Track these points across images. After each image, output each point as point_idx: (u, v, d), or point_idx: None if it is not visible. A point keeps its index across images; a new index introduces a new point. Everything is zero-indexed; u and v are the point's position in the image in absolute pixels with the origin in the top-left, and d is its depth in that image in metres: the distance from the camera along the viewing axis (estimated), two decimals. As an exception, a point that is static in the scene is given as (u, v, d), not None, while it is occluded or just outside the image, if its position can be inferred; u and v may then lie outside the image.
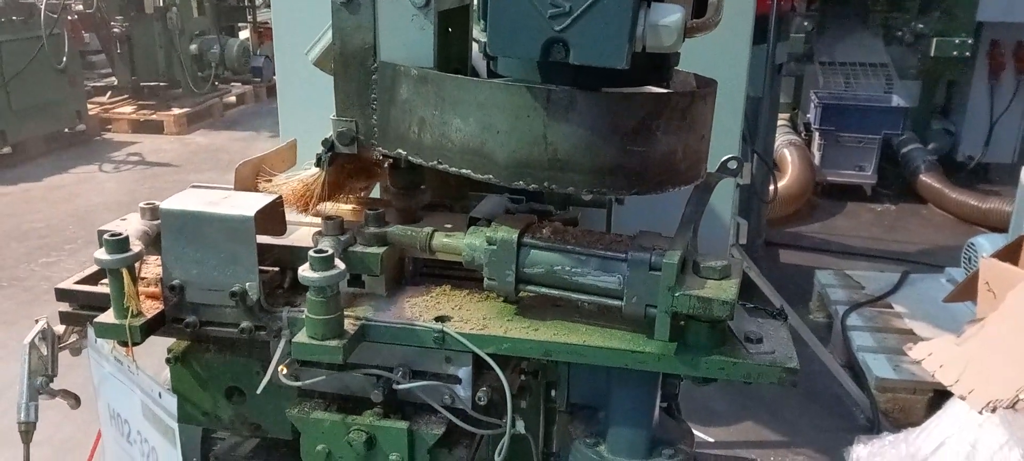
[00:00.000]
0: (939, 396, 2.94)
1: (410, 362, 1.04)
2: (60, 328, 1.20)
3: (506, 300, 1.04)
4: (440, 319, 1.01)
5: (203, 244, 0.99)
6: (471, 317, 1.02)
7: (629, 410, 1.03)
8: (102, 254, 0.97)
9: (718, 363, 0.95)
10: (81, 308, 1.16)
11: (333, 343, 0.95)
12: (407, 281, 1.12)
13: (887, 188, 5.42)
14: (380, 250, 1.04)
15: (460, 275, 1.10)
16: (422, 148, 0.98)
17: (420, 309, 1.04)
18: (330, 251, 0.94)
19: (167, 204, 1.00)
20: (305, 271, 0.93)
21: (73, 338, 1.23)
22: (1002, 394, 2.26)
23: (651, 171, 0.94)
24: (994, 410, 2.26)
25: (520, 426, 1.03)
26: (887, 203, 5.39)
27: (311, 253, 0.93)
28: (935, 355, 2.50)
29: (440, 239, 1.05)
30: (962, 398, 2.33)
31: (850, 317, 3.59)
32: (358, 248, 1.04)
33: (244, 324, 1.01)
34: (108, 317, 1.01)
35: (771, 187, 3.95)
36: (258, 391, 0.99)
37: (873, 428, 3.11)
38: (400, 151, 1.01)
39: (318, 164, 1.04)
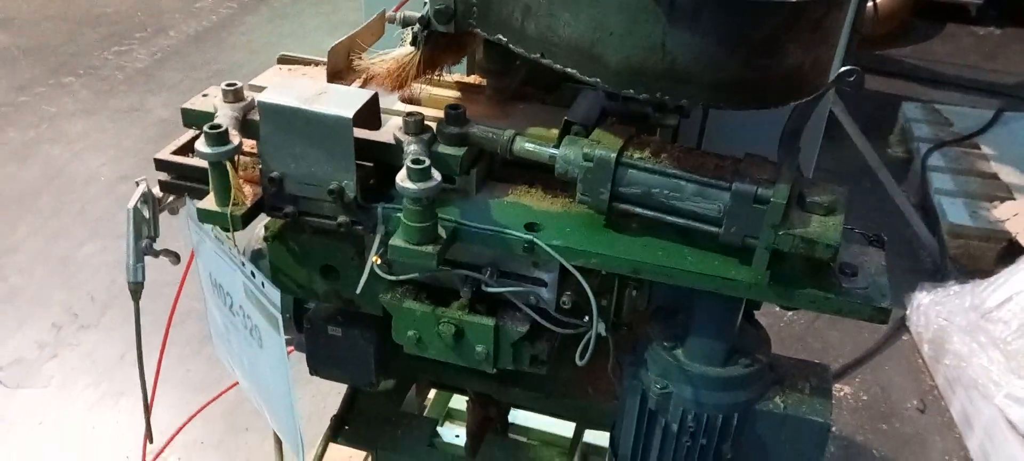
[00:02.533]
0: (1012, 248, 2.89)
1: (498, 262, 1.07)
2: (159, 191, 1.25)
3: (596, 210, 1.03)
4: (529, 227, 1.02)
5: (302, 140, 1.00)
6: (560, 226, 1.02)
7: (711, 321, 1.05)
8: (203, 146, 0.99)
9: (810, 296, 0.94)
10: (179, 178, 1.20)
11: (427, 249, 0.97)
12: (497, 175, 1.11)
13: (995, 8, 5.01)
14: (461, 151, 1.03)
15: (549, 171, 1.09)
16: (525, 38, 0.93)
17: (509, 213, 1.04)
18: (427, 162, 0.93)
19: (265, 98, 1.00)
20: (403, 181, 0.94)
21: (171, 199, 1.28)
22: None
23: (774, 85, 0.89)
24: (1072, 279, 2.22)
25: (601, 328, 1.06)
26: (992, 26, 5.01)
27: (408, 163, 0.93)
28: (1021, 216, 2.44)
29: (522, 144, 1.03)
30: (1041, 263, 2.29)
31: (932, 156, 3.46)
32: (440, 148, 1.03)
33: (341, 219, 1.04)
34: (209, 203, 1.04)
35: (869, 4, 3.67)
36: (358, 291, 1.02)
37: (938, 273, 3.09)
38: (500, 37, 0.96)
39: (413, 43, 1.01)
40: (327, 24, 5.62)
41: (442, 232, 0.98)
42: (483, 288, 1.04)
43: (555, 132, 1.10)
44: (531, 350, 1.09)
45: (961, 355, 2.64)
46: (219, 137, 0.98)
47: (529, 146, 1.02)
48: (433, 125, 1.05)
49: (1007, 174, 3.25)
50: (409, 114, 1.04)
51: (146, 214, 1.25)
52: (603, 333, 1.05)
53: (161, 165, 1.19)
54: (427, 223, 0.96)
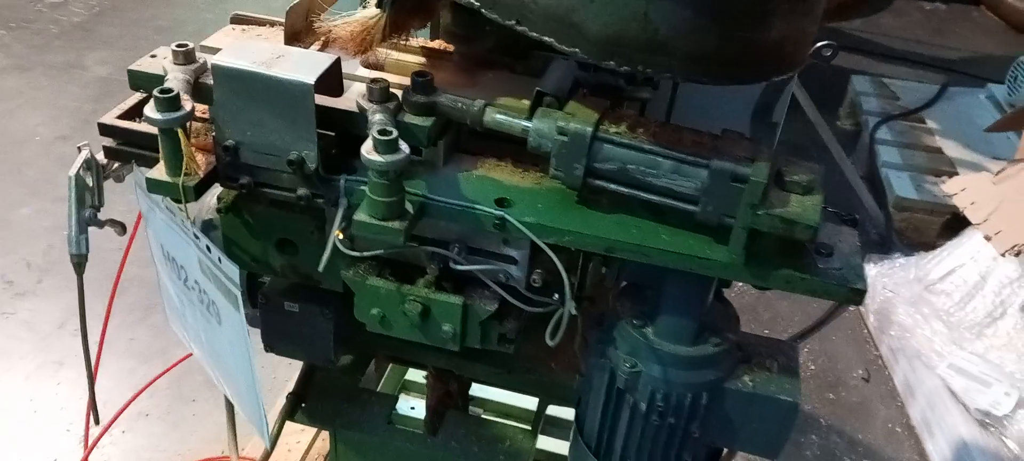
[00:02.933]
0: (956, 221, 2.95)
1: (466, 238, 1.03)
2: (103, 158, 1.18)
3: (569, 186, 1.00)
4: (500, 203, 0.98)
5: (259, 107, 0.94)
6: (531, 202, 0.98)
7: (681, 300, 1.03)
8: (152, 112, 0.92)
9: (785, 276, 0.93)
10: (125, 144, 1.13)
11: (394, 225, 0.92)
12: (464, 146, 1.07)
13: (941, -17, 5.12)
14: (428, 122, 0.99)
15: (520, 143, 1.05)
16: (498, 3, 0.88)
17: (479, 187, 1.00)
18: (394, 133, 0.89)
19: (219, 60, 0.93)
20: (369, 153, 0.89)
21: (116, 166, 1.21)
22: (1029, 240, 2.27)
23: (758, 59, 0.86)
24: (1018, 254, 2.29)
25: (571, 307, 1.03)
26: (938, 1, 5.11)
27: (375, 134, 0.89)
28: (968, 191, 2.49)
29: (493, 115, 0.98)
30: (988, 239, 2.35)
31: (880, 129, 3.52)
32: (406, 118, 0.98)
33: (301, 191, 0.98)
34: (160, 173, 0.98)
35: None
36: (320, 268, 0.98)
37: (884, 245, 3.16)
38: (472, 0, 0.91)
39: (379, 4, 0.95)
40: (275, -19, 5.43)
41: (409, 207, 0.94)
42: (450, 266, 1.01)
43: (526, 103, 1.06)
44: (499, 329, 1.07)
45: (905, 326, 2.71)
46: (170, 102, 0.92)
47: (500, 117, 0.98)
48: (398, 93, 1.00)
49: (951, 149, 3.32)
50: (373, 80, 0.99)
51: (89, 182, 1.17)
52: (574, 312, 1.03)
53: (106, 130, 1.12)
54: (394, 198, 0.92)
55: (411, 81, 0.99)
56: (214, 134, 0.98)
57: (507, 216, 0.95)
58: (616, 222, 0.96)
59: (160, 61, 1.08)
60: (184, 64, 1.02)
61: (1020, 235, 2.32)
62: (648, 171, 0.92)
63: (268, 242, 1.11)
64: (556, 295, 1.02)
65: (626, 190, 0.94)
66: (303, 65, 0.94)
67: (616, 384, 1.09)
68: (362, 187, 0.98)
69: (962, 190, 2.54)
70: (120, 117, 1.13)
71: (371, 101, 0.98)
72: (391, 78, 1.04)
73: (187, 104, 0.94)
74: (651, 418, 1.08)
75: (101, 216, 1.21)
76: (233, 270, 0.94)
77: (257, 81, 0.92)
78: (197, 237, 0.99)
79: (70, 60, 4.66)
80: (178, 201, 1.00)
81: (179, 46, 1.03)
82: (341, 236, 1.02)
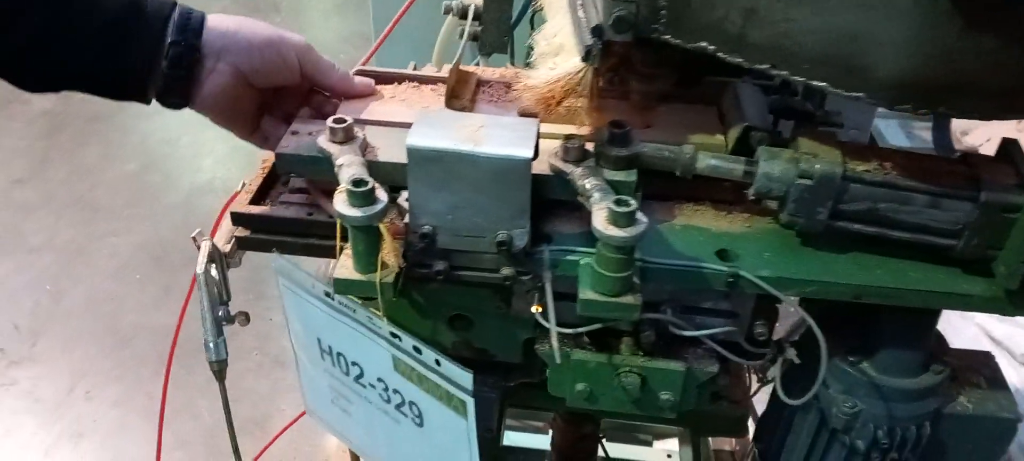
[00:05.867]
0: None
1: (678, 296, 0.94)
2: (226, 245, 1.04)
3: (785, 226, 0.92)
4: (721, 255, 0.89)
5: (464, 187, 0.83)
6: (755, 251, 0.90)
7: (908, 333, 0.97)
8: (347, 208, 0.80)
9: (1047, 305, 0.87)
10: (260, 231, 1.00)
11: (627, 300, 0.83)
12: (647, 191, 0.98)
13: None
14: (632, 176, 0.89)
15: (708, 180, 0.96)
16: (745, 46, 0.79)
17: (691, 240, 0.91)
18: (634, 204, 0.79)
19: (415, 141, 0.82)
20: (605, 227, 0.79)
21: (237, 253, 1.08)
22: None
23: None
24: None
25: (793, 355, 0.96)
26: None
27: (613, 206, 0.79)
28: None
29: (707, 162, 0.90)
30: None
31: None
32: (608, 175, 0.88)
33: (506, 272, 0.88)
34: (347, 271, 0.86)
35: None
36: (556, 362, 0.88)
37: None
38: (704, 45, 0.82)
39: (587, 57, 0.85)
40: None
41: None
42: (678, 333, 0.92)
43: (720, 138, 0.98)
44: (714, 387, 0.98)
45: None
46: (367, 195, 0.80)
47: (715, 163, 0.89)
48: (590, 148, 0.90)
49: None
50: (568, 138, 0.89)
51: (214, 274, 1.04)
52: (797, 360, 0.95)
53: (241, 220, 0.99)
54: (627, 272, 0.82)
55: (609, 134, 0.89)
56: (406, 221, 0.87)
57: (741, 273, 0.87)
58: (854, 264, 0.89)
59: (305, 139, 0.96)
60: (344, 141, 0.90)
61: None
62: (901, 208, 0.84)
63: (438, 319, 1.00)
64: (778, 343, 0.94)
65: (870, 229, 0.87)
66: (511, 136, 0.83)
67: (829, 425, 1.02)
68: (568, 257, 0.88)
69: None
70: (252, 202, 1.00)
71: (567, 161, 0.88)
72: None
73: (382, 194, 0.82)
74: (871, 457, 1.02)
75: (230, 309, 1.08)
76: (463, 376, 0.84)
77: (465, 161, 0.81)
78: (398, 338, 0.87)
79: (6, 95, 4.34)
80: (368, 300, 0.88)
81: (337, 122, 0.90)
82: (539, 310, 0.92)
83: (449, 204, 0.84)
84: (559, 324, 0.88)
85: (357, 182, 0.80)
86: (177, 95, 0.98)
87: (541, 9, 1.04)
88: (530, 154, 0.81)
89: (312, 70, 1.02)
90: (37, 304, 2.96)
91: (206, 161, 3.82)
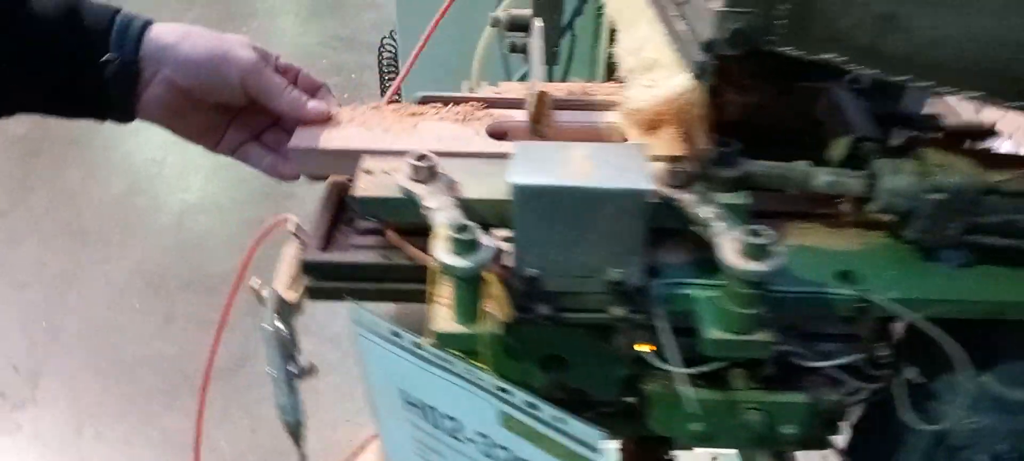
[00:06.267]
0: None
1: (798, 324, 0.88)
2: (292, 294, 0.96)
3: (901, 240, 0.86)
4: (843, 277, 0.83)
5: (574, 225, 0.75)
6: (877, 270, 0.84)
7: (1032, 341, 0.91)
8: (451, 258, 0.72)
9: None
10: (331, 279, 0.92)
11: (758, 336, 0.76)
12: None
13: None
14: (744, 199, 0.82)
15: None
16: (881, 57, 0.72)
17: (809, 262, 0.85)
18: (771, 236, 0.72)
19: (522, 178, 0.74)
20: (738, 260, 0.72)
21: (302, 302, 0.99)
22: None
23: None
24: None
25: (914, 373, 0.90)
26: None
27: (747, 238, 0.72)
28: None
29: (822, 179, 0.83)
30: None
31: None
32: (718, 198, 0.82)
33: (618, 312, 0.81)
34: (447, 323, 0.79)
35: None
36: (693, 410, 0.81)
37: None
38: (831, 56, 0.75)
39: (701, 75, 0.77)
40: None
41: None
42: (802, 364, 0.85)
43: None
44: (832, 415, 0.92)
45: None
46: (473, 242, 0.72)
47: (830, 179, 0.83)
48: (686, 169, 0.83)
49: None
50: (673, 159, 0.82)
51: (282, 326, 0.96)
52: (920, 380, 0.89)
53: (315, 269, 0.90)
54: (760, 308, 0.75)
55: (718, 153, 0.82)
56: (505, 264, 0.79)
57: (871, 297, 0.80)
58: (983, 278, 0.83)
59: (380, 179, 0.88)
60: (428, 180, 0.83)
61: None
62: (1042, 218, 0.78)
63: (530, 361, 0.93)
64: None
65: (1004, 243, 0.81)
66: (622, 166, 0.75)
67: (948, 441, 0.96)
68: (681, 292, 0.81)
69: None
70: (323, 246, 0.92)
71: (675, 186, 0.81)
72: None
73: (486, 239, 0.74)
74: (992, 472, 0.96)
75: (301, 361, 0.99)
76: (591, 433, 0.76)
77: (578, 197, 0.74)
78: (505, 391, 0.80)
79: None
80: (471, 353, 0.80)
81: (421, 159, 0.82)
82: (652, 349, 0.86)
83: (556, 243, 0.77)
84: (661, 360, 0.81)
85: (460, 228, 0.73)
86: (118, 109, 0.92)
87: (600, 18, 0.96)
88: (650, 185, 0.73)
89: (258, 92, 0.94)
90: (33, 342, 2.84)
91: (194, 179, 3.70)
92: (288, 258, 1.02)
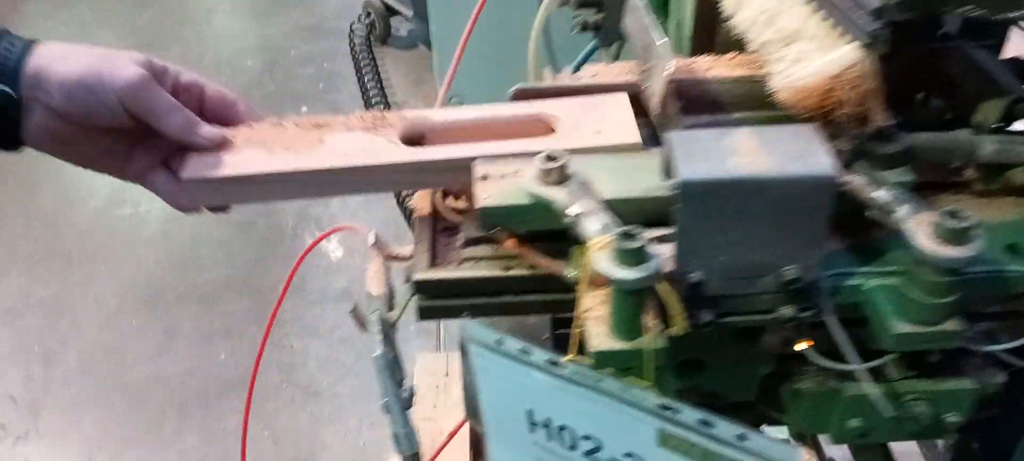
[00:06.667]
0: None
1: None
2: (393, 313, 0.87)
3: None
4: (1012, 250, 0.77)
5: (745, 221, 0.67)
6: (1048, 237, 0.78)
7: None
8: (618, 269, 0.64)
9: None
10: (443, 296, 0.83)
11: (948, 326, 0.70)
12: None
13: None
14: (909, 175, 0.75)
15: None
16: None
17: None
18: (973, 219, 0.65)
19: (690, 173, 0.65)
20: (935, 246, 0.65)
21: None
22: None
23: None
24: None
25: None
26: None
27: (945, 221, 0.65)
28: None
29: (989, 148, 0.77)
30: None
31: None
32: (884, 175, 0.75)
33: (787, 312, 0.73)
34: (603, 341, 0.71)
35: None
36: (888, 411, 0.73)
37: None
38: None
39: (873, 44, 0.70)
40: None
41: (941, 295, 0.71)
42: (981, 349, 0.79)
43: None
44: (992, 398, 0.86)
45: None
46: (640, 252, 0.64)
47: (998, 147, 0.76)
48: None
49: None
50: (835, 135, 0.74)
51: (391, 350, 0.87)
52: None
53: (427, 288, 0.81)
54: (952, 296, 0.68)
55: (876, 128, 0.75)
56: (675, 268, 0.71)
57: (1051, 271, 0.74)
58: None
59: (502, 185, 0.78)
60: (559, 182, 0.74)
61: None
62: None
63: (663, 368, 0.85)
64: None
65: None
66: (797, 150, 0.67)
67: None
68: (849, 283, 0.74)
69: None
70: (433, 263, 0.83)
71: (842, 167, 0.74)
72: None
73: (654, 248, 0.66)
74: None
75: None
76: (782, 450, 0.69)
77: (754, 188, 0.65)
78: (670, 409, 0.72)
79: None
80: (627, 371, 0.72)
81: (550, 159, 0.73)
82: (810, 345, 0.79)
83: (726, 243, 0.69)
84: (824, 358, 0.74)
85: (626, 235, 0.64)
86: (3, 139, 0.85)
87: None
88: (836, 170, 0.65)
89: (141, 113, 0.84)
90: (29, 373, 2.69)
91: (177, 185, 3.53)
92: (376, 274, 0.93)
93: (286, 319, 2.80)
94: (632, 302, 0.68)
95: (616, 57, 1.18)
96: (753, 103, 0.86)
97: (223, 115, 0.90)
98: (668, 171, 0.70)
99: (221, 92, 0.92)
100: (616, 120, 0.86)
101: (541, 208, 0.74)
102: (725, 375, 0.87)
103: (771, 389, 0.88)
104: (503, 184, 0.78)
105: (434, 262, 0.84)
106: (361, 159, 0.84)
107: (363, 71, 3.24)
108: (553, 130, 0.87)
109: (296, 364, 2.67)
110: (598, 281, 0.71)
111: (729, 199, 0.66)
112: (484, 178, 0.79)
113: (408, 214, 1.97)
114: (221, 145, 0.86)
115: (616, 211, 0.73)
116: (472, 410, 0.98)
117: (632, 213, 0.74)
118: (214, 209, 0.90)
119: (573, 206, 0.71)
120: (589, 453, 0.83)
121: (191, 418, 2.53)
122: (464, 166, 0.81)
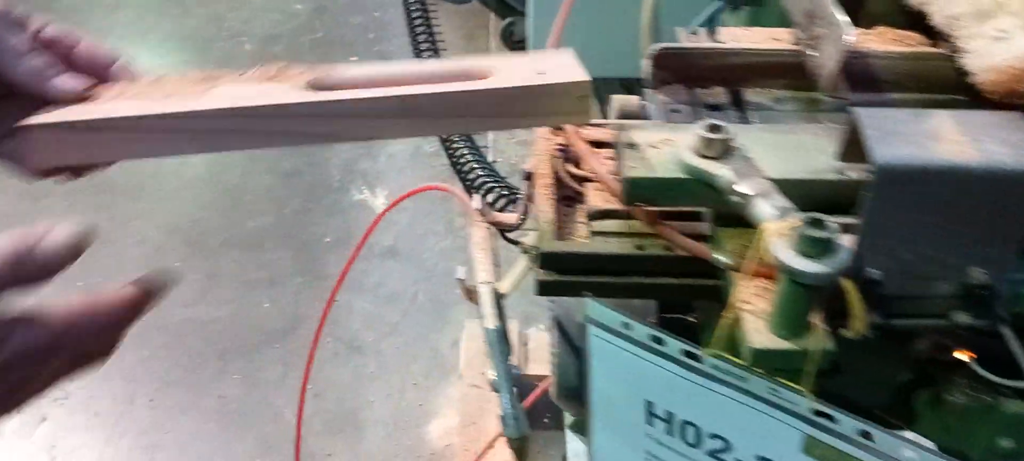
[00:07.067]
0: None
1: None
2: (505, 286, 0.81)
3: None
4: None
5: (947, 214, 0.60)
6: None
7: None
8: (800, 261, 0.57)
9: None
10: (566, 272, 0.76)
11: None
12: None
13: None
14: None
15: None
16: None
17: None
18: None
19: (890, 157, 0.58)
20: None
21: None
22: None
23: None
24: None
25: None
26: None
27: None
28: None
29: None
30: None
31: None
32: None
33: (963, 320, 0.66)
34: (764, 338, 0.64)
35: None
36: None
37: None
38: None
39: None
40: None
41: None
42: None
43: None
44: None
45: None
46: (827, 243, 0.57)
47: None
48: None
49: None
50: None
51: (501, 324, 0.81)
52: None
53: (553, 261, 0.75)
54: None
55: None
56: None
57: None
58: None
59: (652, 155, 0.71)
60: (722, 156, 0.66)
61: None
62: None
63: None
64: None
65: None
66: (1008, 138, 0.60)
67: None
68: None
69: None
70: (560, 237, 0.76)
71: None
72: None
73: (841, 239, 0.59)
74: None
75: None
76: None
77: (966, 178, 0.58)
78: (827, 417, 0.65)
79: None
80: (779, 371, 0.65)
81: (714, 130, 0.66)
82: (973, 357, 0.71)
83: (915, 237, 0.62)
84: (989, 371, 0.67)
85: (813, 223, 0.57)
86: None
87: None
88: (1049, 163, 0.58)
89: None
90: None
91: (223, 127, 3.49)
92: (480, 243, 0.87)
93: (330, 273, 2.75)
94: (805, 297, 0.61)
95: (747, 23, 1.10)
96: (921, 83, 0.78)
97: (94, 74, 0.77)
98: (848, 152, 0.62)
99: (93, 46, 0.77)
100: (560, 64, 0.71)
101: (697, 184, 0.67)
102: (863, 380, 0.80)
103: (901, 396, 0.81)
104: (653, 154, 0.70)
105: (561, 233, 0.77)
106: (255, 100, 0.70)
107: (414, 22, 3.16)
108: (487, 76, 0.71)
109: (339, 319, 2.62)
110: (761, 270, 0.64)
111: (930, 190, 0.59)
112: (630, 146, 0.71)
113: (466, 176, 1.89)
114: (84, 98, 0.73)
115: (788, 195, 0.66)
116: (564, 391, 0.92)
117: (799, 197, 0.66)
118: (70, 172, 0.78)
119: (742, 184, 0.63)
120: (714, 453, 0.77)
121: (232, 365, 2.49)
122: (374, 112, 0.67)
